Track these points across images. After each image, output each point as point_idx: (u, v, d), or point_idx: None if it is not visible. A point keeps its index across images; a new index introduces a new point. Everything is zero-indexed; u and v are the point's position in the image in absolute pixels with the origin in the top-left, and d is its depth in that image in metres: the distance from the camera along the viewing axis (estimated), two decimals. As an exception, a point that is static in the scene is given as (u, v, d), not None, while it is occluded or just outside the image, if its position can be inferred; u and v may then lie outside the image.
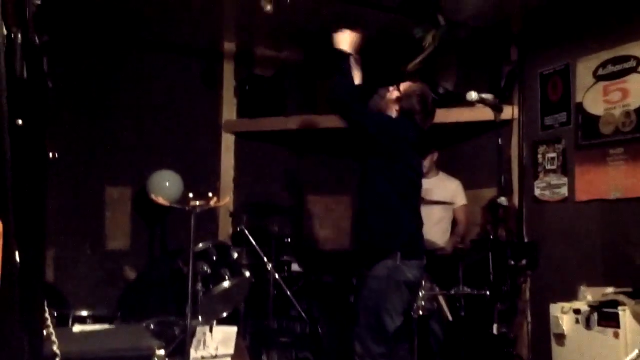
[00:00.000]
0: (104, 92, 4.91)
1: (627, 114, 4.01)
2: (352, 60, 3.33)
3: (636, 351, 3.08)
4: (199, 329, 3.42)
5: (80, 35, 4.72)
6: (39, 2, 2.33)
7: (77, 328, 2.79)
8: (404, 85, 3.36)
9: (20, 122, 2.02)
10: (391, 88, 3.39)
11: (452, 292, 4.08)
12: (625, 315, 3.35)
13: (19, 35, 2.20)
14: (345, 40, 3.34)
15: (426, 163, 4.91)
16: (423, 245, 3.34)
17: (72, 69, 4.60)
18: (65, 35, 4.39)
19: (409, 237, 3.19)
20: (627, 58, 4.03)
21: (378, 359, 3.06)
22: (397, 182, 3.17)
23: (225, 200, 3.63)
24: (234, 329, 3.49)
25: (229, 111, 5.47)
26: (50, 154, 2.16)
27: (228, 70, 5.52)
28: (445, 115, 4.74)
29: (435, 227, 4.79)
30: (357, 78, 3.44)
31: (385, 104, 3.37)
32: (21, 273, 1.89)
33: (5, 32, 2.01)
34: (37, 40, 2.35)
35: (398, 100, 3.32)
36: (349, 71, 3.25)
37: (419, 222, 3.34)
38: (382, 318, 3.05)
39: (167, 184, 4.69)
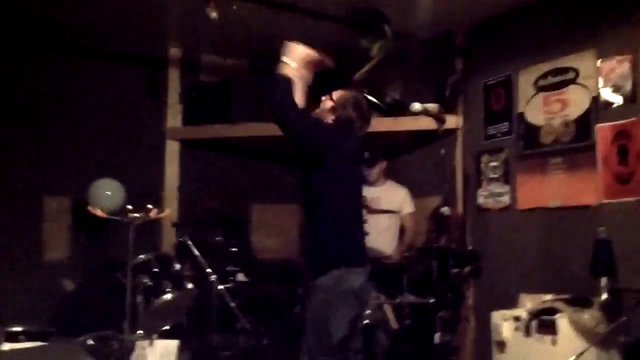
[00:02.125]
0: (42, 101, 4.76)
1: (566, 124, 4.11)
2: (294, 73, 3.06)
3: (572, 358, 3.15)
4: (138, 344, 3.33)
5: (17, 42, 4.57)
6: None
7: (7, 346, 2.67)
8: (336, 94, 3.27)
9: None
10: (324, 98, 3.32)
11: (398, 300, 4.09)
12: (562, 322, 3.41)
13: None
14: (298, 52, 3.07)
15: (374, 172, 4.92)
16: (367, 253, 3.33)
17: (6, 77, 4.45)
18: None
19: (354, 245, 3.17)
20: (566, 70, 4.13)
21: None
22: (340, 192, 3.14)
23: (166, 212, 3.55)
24: (175, 343, 3.42)
25: (174, 118, 5.38)
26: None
27: (174, 77, 5.43)
28: (391, 124, 4.79)
29: (383, 236, 4.80)
30: (299, 96, 3.10)
31: (319, 113, 3.31)
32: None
33: None
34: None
35: (333, 109, 3.24)
36: (285, 81, 3.00)
37: (362, 230, 3.32)
38: (329, 330, 3.00)
39: (109, 193, 4.56)
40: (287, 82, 3.04)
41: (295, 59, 3.07)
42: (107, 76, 5.06)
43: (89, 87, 4.97)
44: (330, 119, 3.25)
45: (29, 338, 3.24)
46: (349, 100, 3.26)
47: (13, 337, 3.22)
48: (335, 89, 3.39)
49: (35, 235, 4.66)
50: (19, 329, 3.29)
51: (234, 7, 4.15)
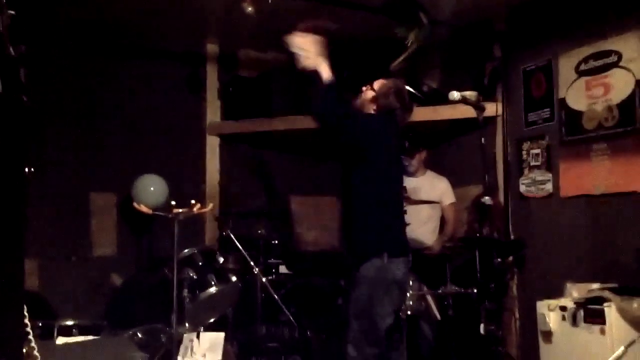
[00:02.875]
0: (86, 99, 4.87)
1: (609, 109, 4.02)
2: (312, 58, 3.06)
3: (622, 348, 3.10)
4: (185, 336, 3.42)
5: (60, 43, 4.69)
6: (12, 13, 2.31)
7: (60, 340, 2.76)
8: (377, 84, 3.29)
9: (-6, 137, 2.00)
10: (364, 88, 3.32)
11: (440, 291, 4.09)
12: (611, 311, 3.35)
13: (-8, 48, 2.18)
14: (300, 41, 3.09)
15: (414, 162, 4.91)
16: (408, 243, 3.34)
17: (52, 77, 4.56)
18: (44, 43, 4.35)
19: (395, 235, 3.19)
20: (608, 53, 4.04)
21: (371, 360, 3.05)
22: (381, 183, 3.16)
23: (208, 207, 3.61)
24: (221, 335, 3.48)
25: (213, 114, 5.45)
26: (27, 169, 2.14)
27: (212, 73, 5.49)
28: (430, 114, 4.76)
29: (424, 227, 4.79)
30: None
31: (361, 104, 3.31)
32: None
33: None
34: (13, 52, 2.33)
35: (374, 99, 3.26)
36: (327, 84, 3.03)
37: (403, 220, 3.34)
38: (375, 320, 3.04)
39: (152, 188, 4.66)
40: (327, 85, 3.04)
41: (303, 47, 3.08)
42: (148, 74, 5.15)
43: (131, 85, 5.07)
44: (371, 109, 3.27)
45: (81, 332, 3.35)
46: (391, 89, 3.27)
47: (66, 331, 3.34)
48: (375, 79, 3.40)
49: (84, 231, 4.80)
50: (71, 322, 3.41)
51: (269, 0, 4.17)
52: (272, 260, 4.55)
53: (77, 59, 4.80)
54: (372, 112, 3.28)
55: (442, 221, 4.96)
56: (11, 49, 2.29)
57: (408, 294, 3.79)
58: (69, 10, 4.53)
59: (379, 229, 3.11)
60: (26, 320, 2.39)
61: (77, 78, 4.81)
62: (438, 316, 4.09)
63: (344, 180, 3.23)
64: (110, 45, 4.99)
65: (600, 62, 4.09)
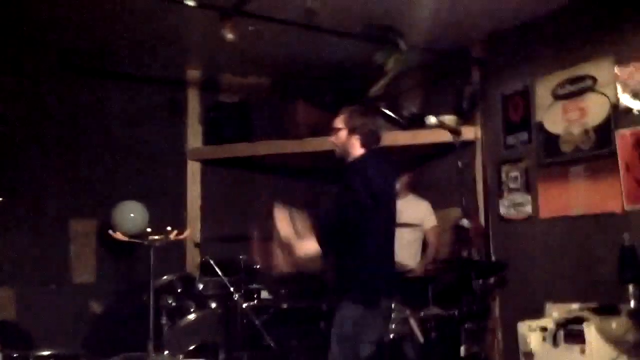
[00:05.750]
0: (66, 125, 4.86)
1: (585, 132, 4.09)
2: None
3: (602, 367, 3.11)
4: (165, 364, 3.37)
5: (43, 68, 4.68)
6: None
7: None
8: (339, 120, 3.25)
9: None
10: (333, 134, 3.26)
11: (423, 313, 4.07)
12: (590, 331, 3.35)
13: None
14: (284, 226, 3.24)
15: (397, 185, 4.92)
16: (396, 277, 3.35)
17: (29, 103, 4.55)
18: (22, 69, 4.36)
19: (385, 278, 3.21)
20: (583, 78, 4.12)
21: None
22: (374, 227, 3.13)
23: (185, 233, 3.57)
24: (202, 363, 3.44)
25: (194, 139, 5.46)
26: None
27: (193, 98, 5.51)
28: (409, 138, 4.81)
29: (406, 249, 4.77)
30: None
31: (344, 146, 3.25)
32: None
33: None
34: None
35: (352, 131, 3.21)
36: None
37: (393, 258, 3.34)
38: (357, 347, 3.03)
39: (132, 215, 4.63)
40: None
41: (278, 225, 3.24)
42: (129, 100, 5.15)
43: (111, 111, 5.07)
44: (356, 142, 3.22)
45: (58, 361, 3.28)
46: (353, 112, 3.25)
47: (43, 361, 3.27)
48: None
49: (64, 258, 4.74)
50: (48, 352, 3.34)
51: (251, 27, 4.21)
52: (254, 286, 4.50)
53: (57, 83, 4.79)
54: (358, 145, 3.21)
55: (424, 244, 4.97)
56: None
57: (392, 317, 3.77)
58: (52, 36, 4.54)
59: (371, 275, 3.11)
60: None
61: (57, 102, 4.79)
62: (421, 338, 4.06)
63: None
64: (90, 71, 4.99)
65: (575, 87, 4.17)
